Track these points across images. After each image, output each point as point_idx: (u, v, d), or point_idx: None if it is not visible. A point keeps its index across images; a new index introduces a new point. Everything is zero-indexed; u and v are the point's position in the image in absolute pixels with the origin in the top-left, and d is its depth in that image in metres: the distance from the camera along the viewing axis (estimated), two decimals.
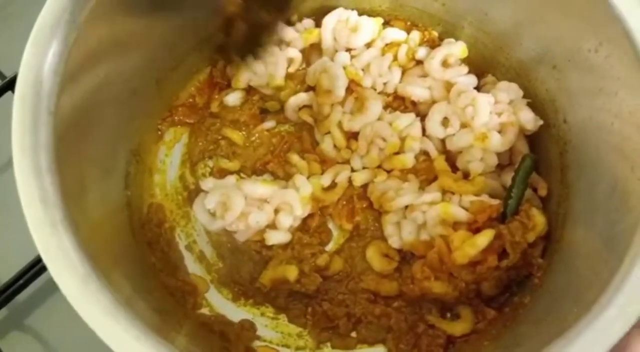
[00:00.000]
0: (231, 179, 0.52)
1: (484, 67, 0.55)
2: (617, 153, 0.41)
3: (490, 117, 0.49)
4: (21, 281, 0.51)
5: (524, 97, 0.51)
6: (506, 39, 0.51)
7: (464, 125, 0.50)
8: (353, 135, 0.54)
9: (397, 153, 0.52)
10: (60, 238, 0.32)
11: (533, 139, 0.52)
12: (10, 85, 0.56)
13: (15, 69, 0.54)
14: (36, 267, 0.51)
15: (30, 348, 0.54)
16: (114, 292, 0.31)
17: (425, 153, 0.53)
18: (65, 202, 0.33)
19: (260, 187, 0.51)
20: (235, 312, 0.51)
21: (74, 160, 0.37)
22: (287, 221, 0.50)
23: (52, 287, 0.54)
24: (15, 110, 0.34)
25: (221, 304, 0.52)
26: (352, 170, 0.54)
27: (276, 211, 0.51)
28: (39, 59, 0.35)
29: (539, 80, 0.49)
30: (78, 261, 0.32)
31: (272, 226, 0.51)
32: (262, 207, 0.50)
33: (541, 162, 0.50)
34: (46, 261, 0.31)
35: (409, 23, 0.56)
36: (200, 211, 0.51)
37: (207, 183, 0.52)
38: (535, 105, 0.50)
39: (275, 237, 0.50)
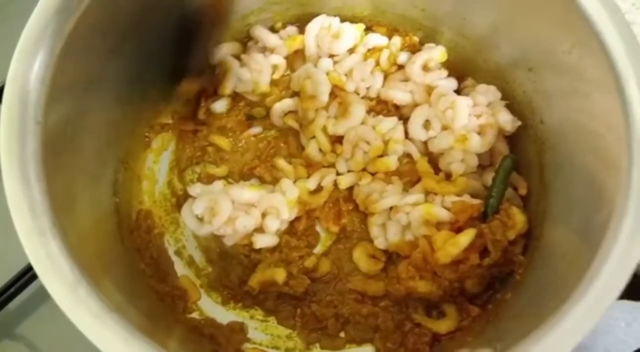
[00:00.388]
0: (219, 184, 0.53)
1: (464, 71, 0.56)
2: (591, 152, 0.42)
3: (470, 119, 0.50)
4: (12, 290, 0.52)
5: (503, 99, 0.52)
6: (484, 42, 0.52)
7: (444, 128, 0.52)
8: (338, 139, 0.55)
9: (380, 156, 0.53)
10: (49, 246, 0.32)
11: (512, 140, 0.53)
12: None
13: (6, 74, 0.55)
14: (27, 275, 0.52)
15: None
16: (103, 298, 0.32)
17: (408, 156, 0.54)
18: (54, 211, 0.34)
19: (247, 192, 0.52)
20: (225, 315, 0.52)
21: (62, 169, 0.37)
22: (274, 224, 0.51)
23: (43, 295, 0.55)
24: (2, 120, 0.35)
25: (211, 307, 0.52)
26: (338, 173, 0.55)
27: (263, 215, 0.52)
28: (25, 69, 0.36)
29: (517, 82, 0.51)
30: (67, 268, 0.32)
31: (260, 229, 0.52)
32: (249, 211, 0.51)
33: (521, 162, 0.52)
34: (36, 268, 0.32)
35: (390, 29, 0.57)
36: (189, 217, 0.52)
37: (195, 189, 0.53)
38: (513, 106, 0.51)
39: (263, 241, 0.51)
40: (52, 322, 0.54)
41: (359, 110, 0.54)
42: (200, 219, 0.51)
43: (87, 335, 0.30)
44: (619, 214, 0.36)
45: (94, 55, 0.42)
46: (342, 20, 0.56)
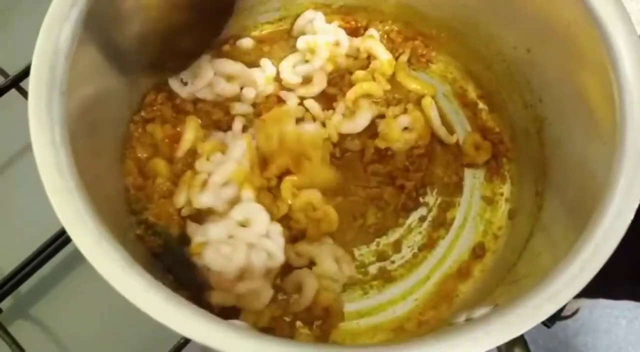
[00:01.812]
0: (205, 57, 0.55)
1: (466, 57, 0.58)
2: (587, 126, 0.44)
3: None
4: (27, 269, 0.53)
5: (502, 81, 0.55)
6: (486, 29, 0.54)
7: None
8: None
9: None
10: (75, 203, 0.34)
11: (513, 121, 0.55)
12: (14, 83, 0.58)
13: (17, 68, 0.58)
14: (40, 256, 0.53)
15: (35, 336, 0.55)
16: (126, 252, 0.34)
17: None
18: (80, 173, 0.36)
19: (229, 64, 0.55)
20: None
21: (85, 135, 0.40)
22: (250, 93, 0.55)
23: (57, 277, 0.57)
24: (31, 89, 0.37)
25: None
26: None
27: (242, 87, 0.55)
28: (52, 42, 0.38)
29: (516, 63, 0.53)
30: (92, 223, 0.34)
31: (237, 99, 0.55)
32: (229, 80, 0.55)
33: (522, 141, 0.54)
34: (64, 223, 0.34)
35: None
36: (174, 81, 0.55)
37: None
38: (514, 88, 0.54)
39: (240, 108, 0.55)
40: (66, 304, 0.56)
41: None
42: (185, 83, 0.54)
43: (112, 283, 0.32)
44: (611, 186, 0.37)
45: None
46: None
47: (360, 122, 0.55)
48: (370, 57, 0.58)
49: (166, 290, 0.32)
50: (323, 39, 0.56)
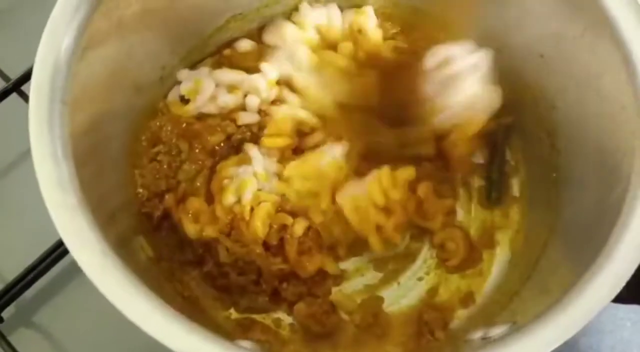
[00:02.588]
0: (204, 69, 0.55)
1: None
2: (604, 134, 0.42)
3: None
4: (28, 278, 0.52)
5: (515, 85, 0.52)
6: (498, 33, 0.52)
7: None
8: None
9: None
10: (78, 220, 0.33)
11: (524, 127, 0.54)
12: (15, 87, 0.57)
13: (19, 71, 0.57)
14: (42, 265, 0.53)
15: (38, 344, 0.55)
16: (130, 270, 0.33)
17: None
18: (82, 188, 0.35)
19: (229, 73, 0.54)
20: None
21: (88, 150, 0.39)
22: (254, 101, 0.53)
23: (59, 285, 0.56)
24: (31, 100, 0.36)
25: None
26: None
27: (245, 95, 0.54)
28: (54, 51, 0.37)
29: (528, 69, 0.51)
30: (95, 240, 0.33)
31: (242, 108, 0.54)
32: (231, 91, 0.53)
33: (534, 150, 0.53)
34: (66, 241, 0.33)
35: None
36: (174, 99, 0.54)
37: (182, 73, 0.54)
38: (525, 93, 0.52)
39: (246, 118, 0.53)
40: (68, 312, 0.55)
41: None
42: (186, 101, 0.53)
43: (115, 304, 0.31)
44: (633, 193, 0.36)
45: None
46: None
47: None
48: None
49: (173, 312, 0.31)
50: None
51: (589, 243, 0.38)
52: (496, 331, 0.33)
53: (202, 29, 0.54)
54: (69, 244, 0.32)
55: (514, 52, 0.52)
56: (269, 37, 0.57)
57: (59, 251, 0.52)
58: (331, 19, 0.56)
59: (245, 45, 0.57)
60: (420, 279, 0.52)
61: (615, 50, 0.39)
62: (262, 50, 0.57)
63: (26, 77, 0.57)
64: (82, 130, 0.38)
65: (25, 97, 0.57)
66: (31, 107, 0.35)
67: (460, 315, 0.49)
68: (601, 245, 0.35)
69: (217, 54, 0.57)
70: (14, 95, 0.58)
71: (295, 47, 0.55)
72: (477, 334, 0.35)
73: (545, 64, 0.49)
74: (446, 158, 0.51)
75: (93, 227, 0.33)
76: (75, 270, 0.57)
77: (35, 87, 0.36)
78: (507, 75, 0.53)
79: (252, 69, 0.55)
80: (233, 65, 0.56)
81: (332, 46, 0.56)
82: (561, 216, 0.47)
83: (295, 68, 0.54)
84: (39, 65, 0.36)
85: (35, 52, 0.37)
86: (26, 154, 0.58)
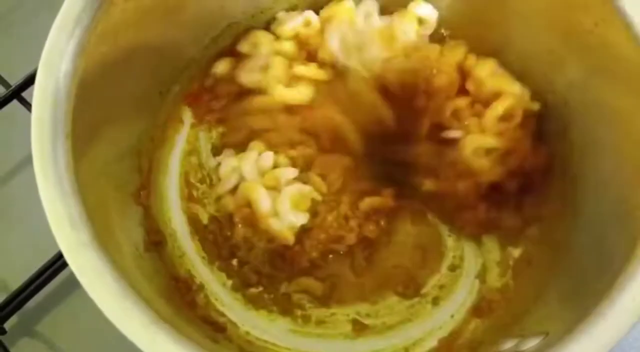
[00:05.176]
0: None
1: None
2: (620, 129, 0.41)
3: None
4: (31, 288, 0.51)
5: (527, 84, 0.51)
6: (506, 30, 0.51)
7: None
8: None
9: None
10: (92, 258, 0.32)
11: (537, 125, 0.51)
12: (15, 94, 0.56)
13: (18, 77, 0.55)
14: (45, 275, 0.51)
15: None
16: (150, 309, 0.32)
17: None
18: (93, 225, 0.34)
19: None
20: None
21: (95, 182, 0.38)
22: None
23: (62, 294, 0.54)
24: (33, 136, 0.35)
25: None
26: None
27: None
28: (52, 79, 0.36)
29: (538, 66, 0.50)
30: (111, 278, 0.32)
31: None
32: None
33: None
34: (80, 278, 0.32)
35: None
36: None
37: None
38: (536, 90, 0.51)
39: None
40: (71, 323, 0.54)
41: None
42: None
43: (137, 343, 0.30)
44: None
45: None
46: None
47: None
48: None
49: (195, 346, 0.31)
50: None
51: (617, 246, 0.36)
52: (529, 343, 0.33)
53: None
54: (85, 285, 0.31)
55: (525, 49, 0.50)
56: (244, 47, 0.55)
57: (61, 261, 0.51)
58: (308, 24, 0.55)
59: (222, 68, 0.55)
60: None
61: (628, 44, 0.38)
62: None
63: (26, 83, 0.55)
64: (86, 163, 0.37)
65: (25, 103, 0.55)
66: (34, 143, 0.34)
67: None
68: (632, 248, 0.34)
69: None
70: (15, 102, 0.56)
71: (269, 58, 0.53)
72: (509, 344, 0.35)
73: (555, 59, 0.47)
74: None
75: (107, 265, 0.32)
76: (77, 281, 0.57)
77: (37, 122, 0.35)
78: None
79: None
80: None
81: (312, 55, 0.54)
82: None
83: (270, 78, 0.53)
84: (38, 95, 0.35)
85: (35, 55, 0.36)
86: (27, 161, 0.58)
